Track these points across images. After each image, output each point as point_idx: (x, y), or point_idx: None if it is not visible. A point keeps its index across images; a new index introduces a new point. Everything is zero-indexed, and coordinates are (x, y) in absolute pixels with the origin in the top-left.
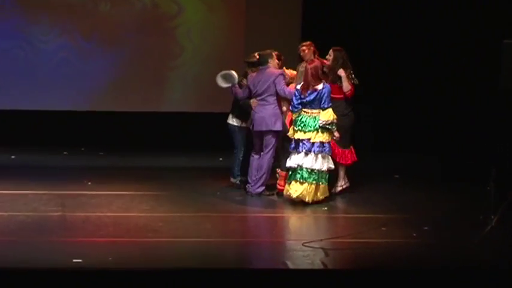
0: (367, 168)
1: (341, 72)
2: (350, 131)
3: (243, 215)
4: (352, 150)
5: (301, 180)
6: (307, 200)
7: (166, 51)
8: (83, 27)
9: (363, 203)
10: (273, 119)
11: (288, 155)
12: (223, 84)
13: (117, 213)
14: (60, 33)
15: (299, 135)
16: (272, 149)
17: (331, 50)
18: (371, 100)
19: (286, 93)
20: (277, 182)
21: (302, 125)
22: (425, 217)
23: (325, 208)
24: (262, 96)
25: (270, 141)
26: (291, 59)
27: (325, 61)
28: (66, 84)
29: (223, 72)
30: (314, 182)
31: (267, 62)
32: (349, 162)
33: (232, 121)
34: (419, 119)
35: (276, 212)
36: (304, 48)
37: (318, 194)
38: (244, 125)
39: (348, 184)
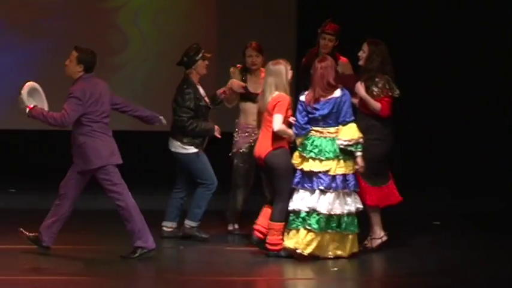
0: (396, 212)
1: (359, 90)
2: (385, 161)
3: (217, 279)
4: (391, 187)
5: (316, 230)
6: (329, 255)
7: (103, 44)
8: None
9: (387, 261)
10: None
11: (283, 192)
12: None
13: (29, 275)
14: None
15: (312, 166)
16: None
17: (365, 44)
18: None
19: None
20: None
21: (317, 150)
22: (473, 285)
23: (335, 269)
24: None
25: None
26: (284, 54)
27: (343, 59)
28: None
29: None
30: (339, 231)
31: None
32: (380, 203)
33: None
34: (469, 142)
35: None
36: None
37: (348, 246)
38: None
39: (386, 237)
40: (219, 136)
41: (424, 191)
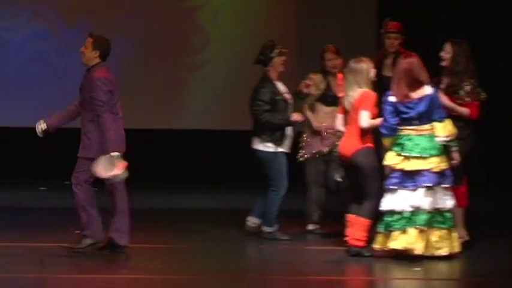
0: (477, 212)
1: (443, 100)
2: (463, 162)
3: (298, 278)
4: (462, 190)
5: (424, 227)
6: (436, 253)
7: (182, 43)
8: (66, 8)
9: (469, 261)
10: None
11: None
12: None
13: (116, 274)
14: (32, 16)
15: (417, 165)
16: None
17: (448, 44)
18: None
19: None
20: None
21: (419, 148)
22: None
23: (418, 269)
24: None
25: None
26: (364, 53)
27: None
28: (40, 90)
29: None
30: (444, 227)
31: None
32: (464, 203)
33: None
34: None
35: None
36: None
37: (453, 244)
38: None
39: (468, 237)
40: (299, 119)
41: (507, 192)
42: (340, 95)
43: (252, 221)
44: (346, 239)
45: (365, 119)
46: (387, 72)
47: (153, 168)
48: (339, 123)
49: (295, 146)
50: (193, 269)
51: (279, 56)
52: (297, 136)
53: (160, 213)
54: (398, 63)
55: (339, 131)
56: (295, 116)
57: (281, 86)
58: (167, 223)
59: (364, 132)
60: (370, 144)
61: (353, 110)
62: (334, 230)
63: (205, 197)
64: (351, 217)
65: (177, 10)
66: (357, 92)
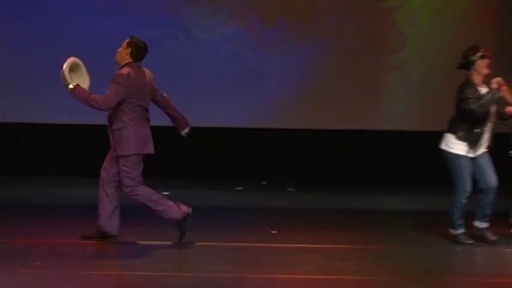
0: None
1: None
2: None
3: (493, 281)
4: None
5: None
6: None
7: (381, 44)
8: (263, 8)
9: None
10: None
11: None
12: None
13: (313, 275)
14: (229, 17)
15: None
16: None
17: None
18: None
19: None
20: None
21: None
22: None
23: None
24: None
25: None
26: None
27: None
28: (236, 89)
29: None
30: None
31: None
32: None
33: None
34: None
35: None
36: None
37: None
38: None
39: None
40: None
41: None
42: None
43: (476, 224)
44: None
45: None
46: None
47: (362, 168)
48: None
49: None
50: (388, 270)
51: (481, 59)
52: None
53: (357, 214)
54: None
55: None
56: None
57: (483, 90)
58: (365, 224)
59: None
60: None
61: None
62: None
63: (402, 197)
64: None
65: (372, 11)
66: None
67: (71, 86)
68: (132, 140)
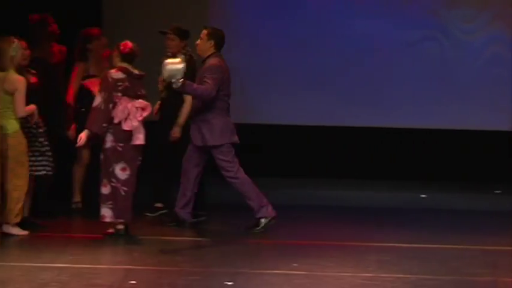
0: None
1: None
2: None
3: None
4: None
5: None
6: None
7: None
8: None
9: None
10: None
11: None
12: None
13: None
14: (491, 19)
15: None
16: None
17: None
18: None
19: None
20: None
21: None
22: None
23: None
24: None
25: None
26: None
27: None
28: (497, 92)
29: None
30: None
31: None
32: None
33: None
34: None
35: None
36: None
37: None
38: None
39: None
40: None
41: None
42: None
43: None
44: None
45: None
46: None
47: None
48: None
49: None
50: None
51: None
52: None
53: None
54: None
55: None
56: None
57: None
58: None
59: None
60: None
61: None
62: None
63: None
64: None
65: None
66: None
67: (181, 80)
68: (224, 129)
